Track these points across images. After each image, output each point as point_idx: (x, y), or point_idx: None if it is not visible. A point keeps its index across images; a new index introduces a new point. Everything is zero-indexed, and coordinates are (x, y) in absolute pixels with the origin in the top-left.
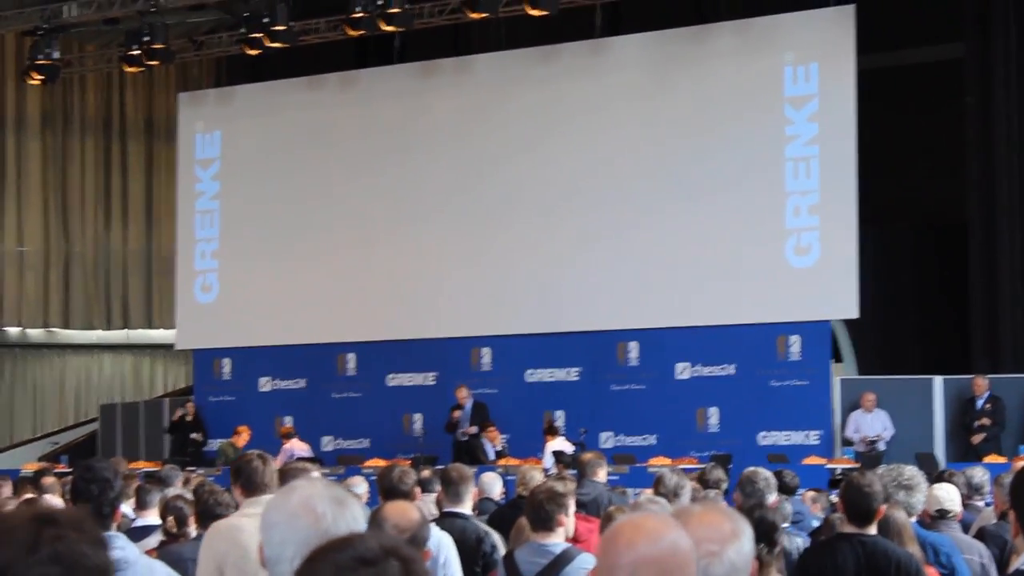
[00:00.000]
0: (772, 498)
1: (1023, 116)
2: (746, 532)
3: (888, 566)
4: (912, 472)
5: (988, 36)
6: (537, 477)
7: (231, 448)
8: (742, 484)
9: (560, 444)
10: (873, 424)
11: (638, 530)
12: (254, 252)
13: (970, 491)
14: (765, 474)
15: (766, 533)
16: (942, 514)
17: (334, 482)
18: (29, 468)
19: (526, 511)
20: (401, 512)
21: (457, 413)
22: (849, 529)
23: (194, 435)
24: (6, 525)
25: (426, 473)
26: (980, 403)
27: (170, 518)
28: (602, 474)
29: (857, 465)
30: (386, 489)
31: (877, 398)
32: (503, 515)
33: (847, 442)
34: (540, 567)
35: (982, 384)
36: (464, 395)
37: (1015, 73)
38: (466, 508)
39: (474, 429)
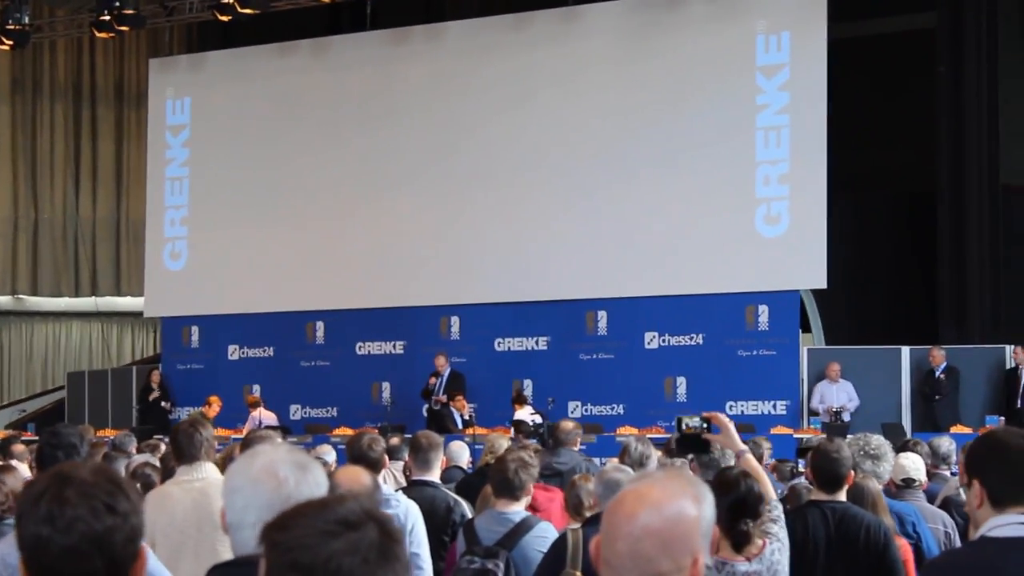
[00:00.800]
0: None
1: (993, 86)
2: (707, 498)
3: (858, 532)
4: (879, 441)
5: (960, 6)
6: (504, 445)
7: (201, 418)
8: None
9: (527, 413)
10: (838, 395)
11: (641, 500)
12: (224, 220)
13: (936, 460)
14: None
15: (752, 506)
16: (907, 483)
17: (298, 447)
18: None
19: (491, 479)
20: (353, 477)
21: (433, 380)
22: (819, 496)
23: (162, 403)
24: (34, 481)
25: (395, 441)
26: (937, 373)
27: (137, 485)
28: (578, 443)
29: (823, 435)
30: (355, 456)
31: (842, 368)
32: (470, 483)
33: (813, 412)
34: (499, 535)
35: (938, 355)
36: (442, 363)
37: (986, 43)
38: (435, 476)
39: (445, 398)
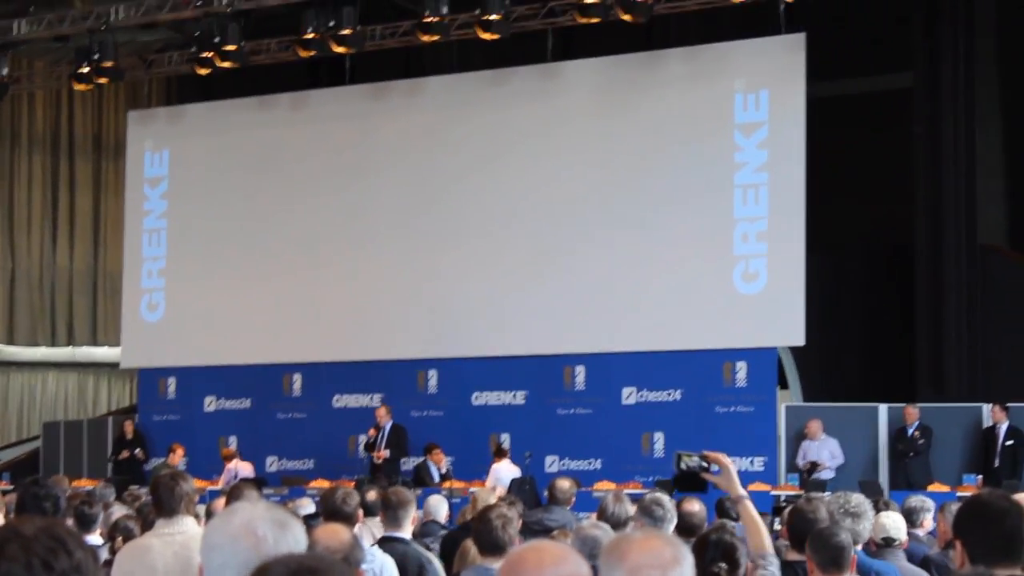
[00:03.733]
0: (671, 527)
1: (970, 145)
2: (687, 559)
3: None
4: (859, 499)
5: (936, 66)
6: (491, 501)
7: (165, 467)
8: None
9: (508, 467)
10: (820, 452)
11: (542, 553)
12: (201, 271)
13: (908, 519)
14: (667, 499)
15: (727, 553)
16: (888, 542)
17: (277, 504)
18: None
19: (475, 534)
20: (332, 534)
21: (374, 432)
22: (793, 557)
23: (136, 452)
24: None
25: (371, 496)
26: (910, 431)
27: (119, 538)
28: (572, 502)
29: (800, 492)
30: (329, 511)
31: (823, 425)
32: (455, 539)
33: (796, 470)
34: None
35: (913, 413)
36: (383, 415)
37: (963, 103)
38: (405, 532)
39: (386, 453)
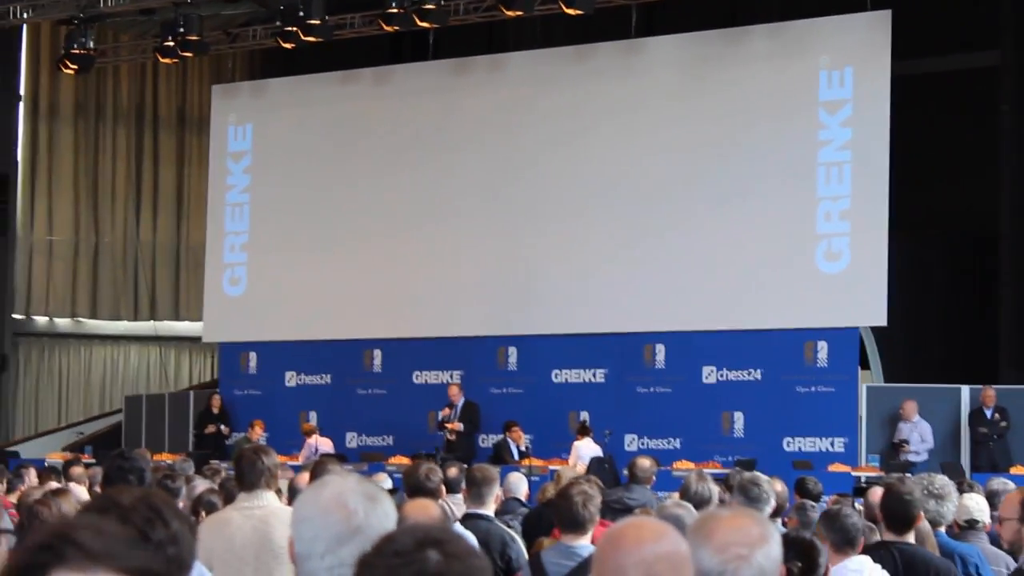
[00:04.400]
0: (769, 508)
1: None
2: (774, 536)
3: (926, 574)
4: (943, 481)
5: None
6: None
7: (246, 442)
8: (744, 487)
9: (590, 445)
10: (910, 434)
11: (641, 529)
12: (283, 246)
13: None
14: (766, 479)
15: (803, 552)
16: (971, 524)
17: (365, 477)
18: (54, 458)
19: (556, 511)
20: (422, 509)
21: (447, 411)
22: (888, 537)
23: (221, 427)
24: (86, 505)
25: (453, 472)
26: (989, 413)
27: (202, 512)
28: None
29: (881, 473)
30: (412, 487)
31: (917, 406)
32: (536, 516)
33: (893, 448)
34: (567, 569)
35: (990, 395)
36: (455, 393)
37: None
38: (488, 509)
39: (459, 426)
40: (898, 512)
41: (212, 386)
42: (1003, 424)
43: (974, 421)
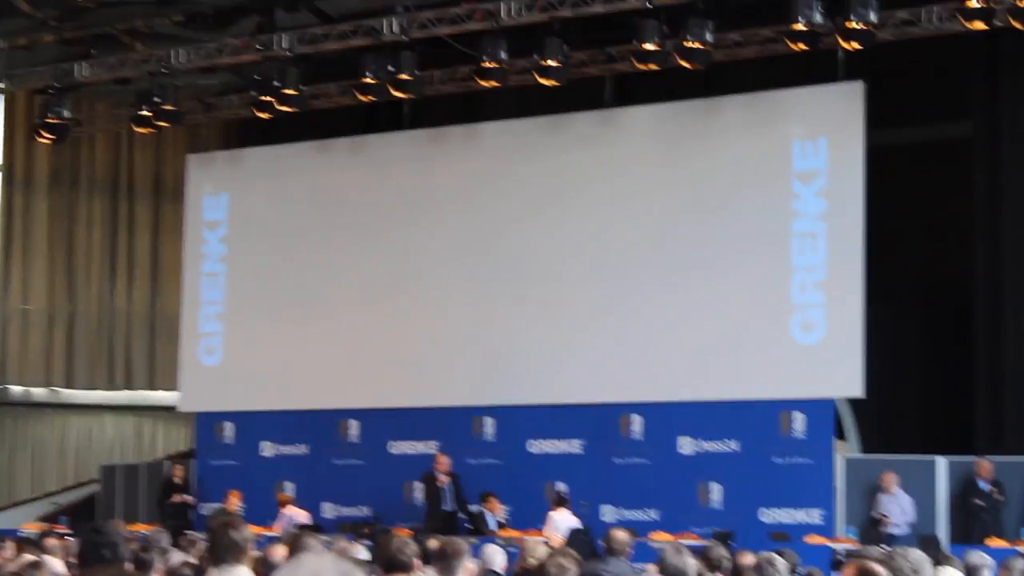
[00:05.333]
0: None
1: None
2: None
3: None
4: (916, 556)
5: (996, 115)
6: (541, 550)
7: (222, 513)
8: (760, 568)
9: (566, 516)
10: (889, 506)
11: None
12: (259, 316)
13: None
14: (781, 561)
15: None
16: None
17: (340, 554)
18: (28, 528)
19: None
20: None
21: (444, 479)
22: None
23: (185, 496)
24: None
25: (434, 544)
26: (984, 485)
27: None
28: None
29: (859, 545)
30: (385, 560)
31: (897, 478)
32: None
33: (871, 521)
34: None
35: (987, 466)
36: (445, 463)
37: (1023, 152)
38: None
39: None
40: None
41: (188, 456)
42: (1000, 498)
43: (967, 492)
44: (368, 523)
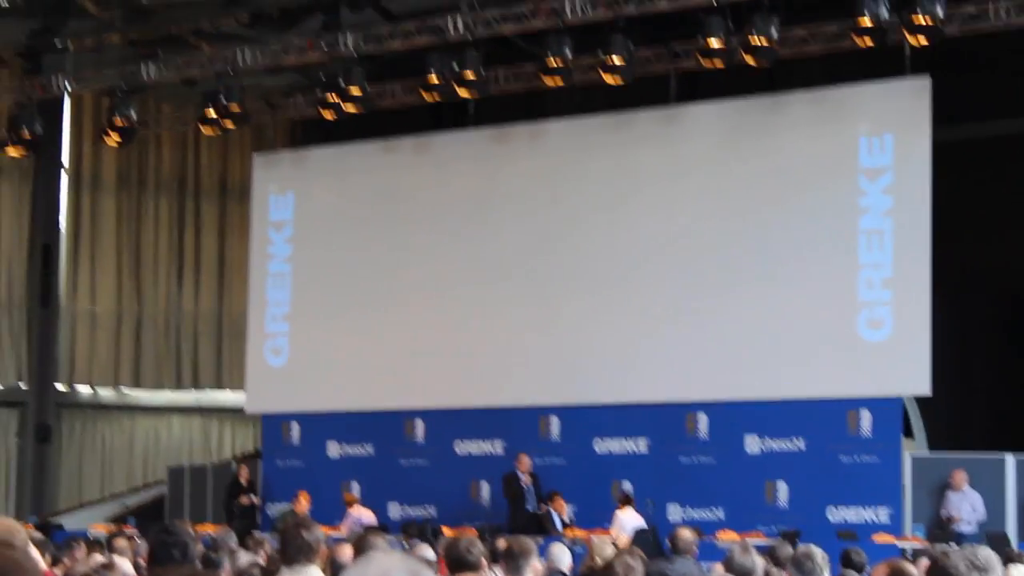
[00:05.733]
0: None
1: None
2: None
3: None
4: (987, 554)
5: None
6: (608, 550)
7: (291, 514)
8: (797, 562)
9: (632, 515)
10: (960, 504)
11: None
12: (325, 316)
13: None
14: (820, 553)
15: None
16: None
17: (409, 554)
18: (97, 529)
19: None
20: None
21: (527, 480)
22: None
23: (252, 497)
24: None
25: (502, 543)
26: None
27: None
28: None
29: (927, 543)
30: (453, 560)
31: (967, 476)
32: None
33: (939, 520)
34: None
35: None
36: (527, 463)
37: None
38: None
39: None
40: None
41: (255, 457)
42: None
43: None
44: (424, 523)
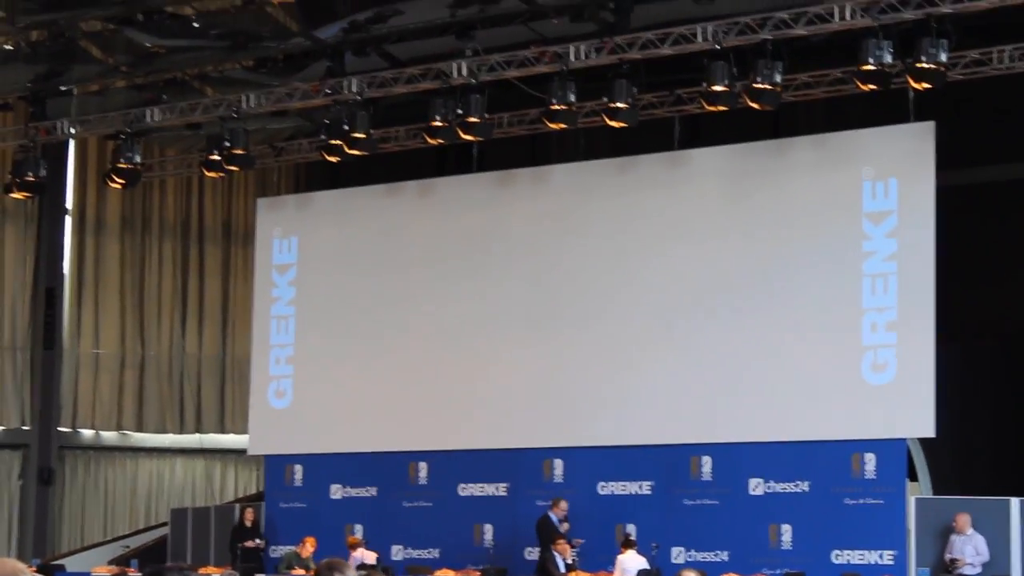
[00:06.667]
0: None
1: None
2: None
3: None
4: None
5: None
6: None
7: (295, 557)
8: None
9: (634, 557)
10: (963, 547)
11: None
12: (328, 359)
13: None
14: None
15: None
16: None
17: None
18: (99, 572)
19: None
20: None
21: (566, 525)
22: None
23: (258, 541)
24: None
25: None
26: None
27: None
28: None
29: None
30: None
31: (971, 519)
32: None
33: (942, 564)
34: None
35: None
36: (565, 507)
37: None
38: None
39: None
40: None
41: (258, 499)
42: None
43: None
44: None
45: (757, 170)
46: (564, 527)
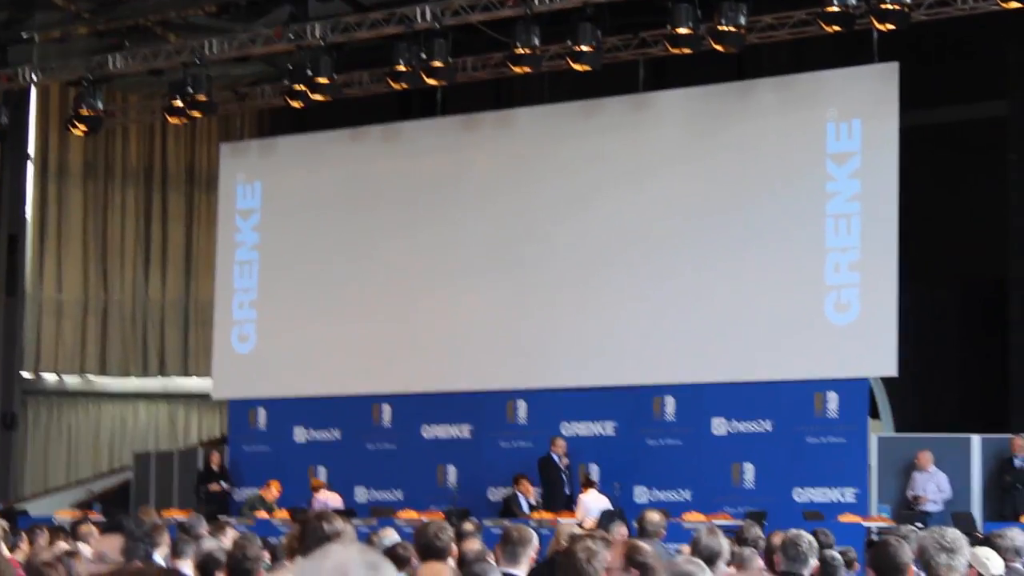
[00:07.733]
0: (813, 562)
1: None
2: None
3: None
4: (954, 535)
5: None
6: (576, 532)
7: (259, 500)
8: (785, 547)
9: (595, 497)
10: (926, 484)
11: None
12: (292, 303)
13: (1009, 554)
14: (808, 538)
15: None
16: None
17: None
18: (62, 515)
19: (562, 569)
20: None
21: (566, 460)
22: None
23: (222, 484)
24: None
25: (469, 527)
26: (1020, 463)
27: (215, 571)
28: (662, 535)
29: (892, 523)
30: (423, 545)
31: (933, 457)
32: (540, 572)
33: (906, 501)
34: None
35: (1020, 443)
36: (564, 445)
37: None
38: (522, 570)
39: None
40: (887, 570)
41: (221, 442)
42: None
43: (1002, 470)
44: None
45: (721, 112)
46: (564, 462)
